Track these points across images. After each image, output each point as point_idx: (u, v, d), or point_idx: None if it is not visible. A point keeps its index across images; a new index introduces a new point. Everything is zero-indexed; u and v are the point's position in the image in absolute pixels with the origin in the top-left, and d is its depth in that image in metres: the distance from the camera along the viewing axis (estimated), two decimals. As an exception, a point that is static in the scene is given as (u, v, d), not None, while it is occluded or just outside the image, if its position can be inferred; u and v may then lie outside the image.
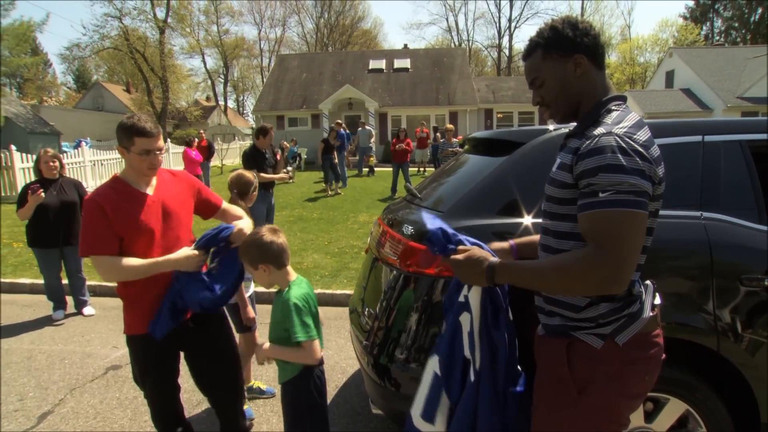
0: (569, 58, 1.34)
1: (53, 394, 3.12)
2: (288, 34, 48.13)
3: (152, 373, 2.03)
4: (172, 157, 16.46)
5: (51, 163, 4.26)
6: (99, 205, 1.87)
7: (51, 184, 4.29)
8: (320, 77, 23.48)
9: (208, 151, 11.94)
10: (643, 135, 1.23)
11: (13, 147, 11.18)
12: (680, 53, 25.95)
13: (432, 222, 1.61)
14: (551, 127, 2.26)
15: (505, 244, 1.69)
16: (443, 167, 2.98)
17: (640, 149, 1.19)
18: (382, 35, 54.28)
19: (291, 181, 12.97)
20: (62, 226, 4.36)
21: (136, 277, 1.89)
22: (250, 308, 2.75)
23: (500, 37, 44.32)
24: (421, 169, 15.71)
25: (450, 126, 9.67)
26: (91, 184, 12.99)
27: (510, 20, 44.23)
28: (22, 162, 11.24)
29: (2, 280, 5.53)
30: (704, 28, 41.22)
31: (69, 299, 4.71)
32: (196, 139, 11.35)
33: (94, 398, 3.04)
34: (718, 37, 40.54)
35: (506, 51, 44.22)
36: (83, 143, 15.66)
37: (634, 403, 1.36)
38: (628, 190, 1.15)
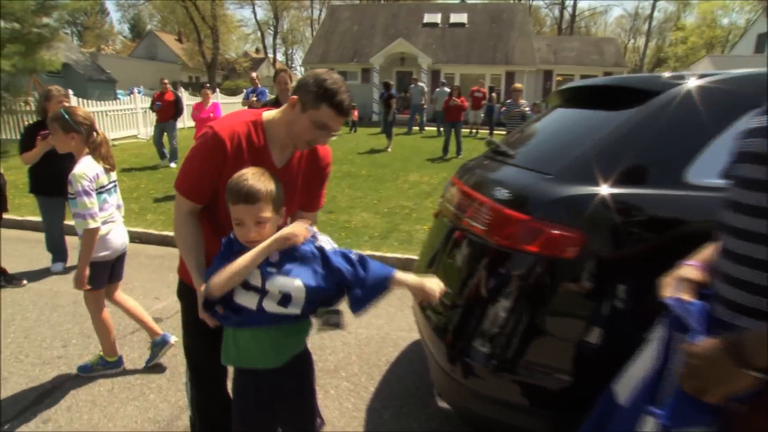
0: None
1: (95, 343, 2.97)
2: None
3: (197, 338, 1.74)
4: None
5: (65, 103, 3.95)
6: (223, 142, 1.49)
7: None
8: (372, 30, 22.54)
9: (174, 108, 8.75)
10: None
11: (71, 92, 11.30)
12: (774, 13, 23.11)
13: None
14: (697, 73, 1.73)
15: (690, 270, 1.13)
16: (529, 123, 2.49)
17: None
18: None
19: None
20: (66, 174, 4.05)
21: (178, 245, 1.60)
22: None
23: (564, -7, 41.12)
24: (474, 130, 14.94)
25: (518, 85, 8.81)
26: (142, 131, 13.13)
27: (577, -26, 40.85)
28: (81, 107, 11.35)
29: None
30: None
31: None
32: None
33: (134, 352, 2.87)
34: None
35: (569, 9, 41.11)
36: (135, 91, 15.82)
37: None
38: None
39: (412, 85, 14.68)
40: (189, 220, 1.58)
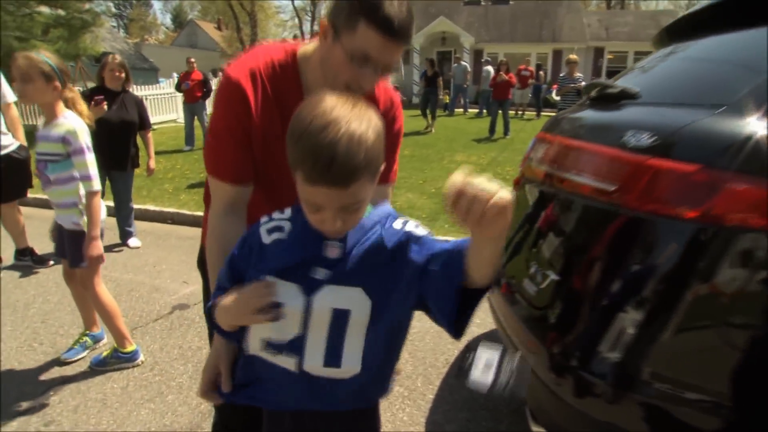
0: None
1: (114, 331, 2.66)
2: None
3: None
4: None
5: (117, 73, 3.65)
6: (240, 88, 1.02)
7: (113, 98, 3.66)
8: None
9: (203, 88, 8.24)
10: None
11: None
12: None
13: None
14: None
15: None
16: (644, 63, 1.92)
17: None
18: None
19: None
20: (115, 147, 3.75)
21: (207, 257, 1.11)
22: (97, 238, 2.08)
23: (615, -34, 38.65)
24: (520, 111, 14.11)
25: (574, 57, 7.93)
26: (181, 115, 13.08)
27: (629, -54, 38.25)
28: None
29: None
30: None
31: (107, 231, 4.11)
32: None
33: (155, 343, 2.52)
34: None
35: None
36: (174, 76, 15.88)
37: None
38: None
39: (455, 65, 13.94)
40: (228, 219, 1.07)
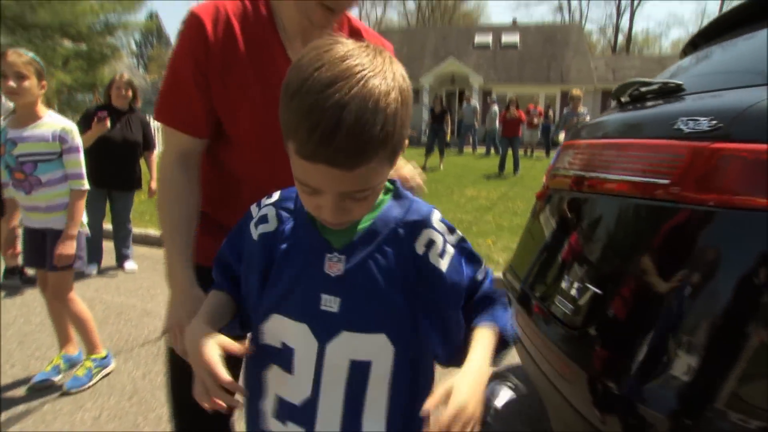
0: None
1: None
2: (388, 15, 47.53)
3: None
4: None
5: (124, 91, 3.59)
6: (201, 24, 0.87)
7: (118, 116, 3.58)
8: (422, 51, 22.35)
9: None
10: None
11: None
12: None
13: None
14: None
15: None
16: (673, 68, 1.77)
17: None
18: (485, 17, 50.56)
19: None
20: (117, 167, 3.64)
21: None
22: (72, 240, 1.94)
23: (619, 15, 39.90)
24: (529, 151, 14.08)
25: (577, 91, 7.96)
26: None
27: (633, -3, 39.55)
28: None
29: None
30: None
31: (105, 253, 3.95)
32: None
33: (138, 369, 2.30)
34: None
35: (624, 31, 39.80)
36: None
37: None
38: None
39: (465, 104, 14.07)
40: (180, 171, 0.93)
